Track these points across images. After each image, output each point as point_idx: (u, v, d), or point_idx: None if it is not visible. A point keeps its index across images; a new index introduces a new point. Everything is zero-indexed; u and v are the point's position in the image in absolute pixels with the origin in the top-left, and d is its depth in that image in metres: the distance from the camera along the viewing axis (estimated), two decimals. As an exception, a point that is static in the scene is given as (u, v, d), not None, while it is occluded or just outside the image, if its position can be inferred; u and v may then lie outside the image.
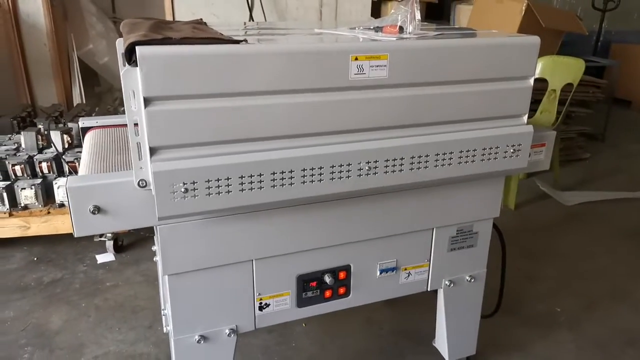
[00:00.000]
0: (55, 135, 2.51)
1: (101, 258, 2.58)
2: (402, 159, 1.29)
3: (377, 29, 1.40)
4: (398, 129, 1.28)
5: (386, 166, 1.28)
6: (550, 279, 2.48)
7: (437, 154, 1.32)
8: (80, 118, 1.68)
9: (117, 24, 5.08)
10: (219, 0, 3.92)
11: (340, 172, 1.23)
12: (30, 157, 2.43)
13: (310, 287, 1.43)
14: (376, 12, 4.48)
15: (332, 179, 1.23)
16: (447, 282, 1.62)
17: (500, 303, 1.95)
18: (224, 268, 1.31)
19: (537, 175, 3.74)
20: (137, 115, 1.06)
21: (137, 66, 1.00)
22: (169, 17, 3.86)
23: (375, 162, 1.26)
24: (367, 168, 1.26)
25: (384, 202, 1.42)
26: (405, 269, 1.55)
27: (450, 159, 1.34)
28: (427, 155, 1.31)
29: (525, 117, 1.43)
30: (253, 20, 3.93)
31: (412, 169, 1.31)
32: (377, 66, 1.21)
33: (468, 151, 1.36)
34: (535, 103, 3.65)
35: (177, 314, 1.31)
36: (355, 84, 1.20)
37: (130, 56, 1.02)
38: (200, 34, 1.14)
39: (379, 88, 1.22)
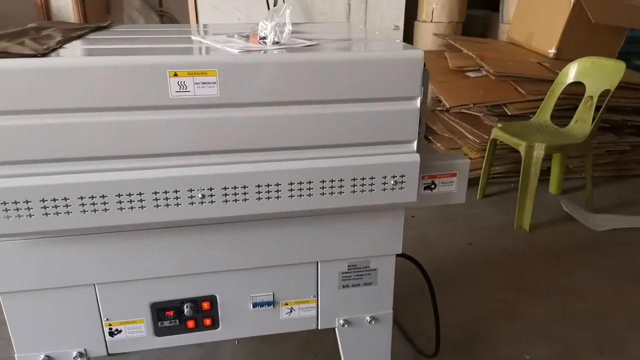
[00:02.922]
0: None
1: None
2: (245, 187, 1.14)
3: (247, 38, 1.25)
4: (242, 153, 1.13)
5: (225, 194, 1.14)
6: (533, 318, 2.16)
7: (292, 184, 1.16)
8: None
9: (164, 17, 5.23)
10: (242, -6, 3.86)
11: (167, 199, 1.11)
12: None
13: (167, 316, 1.32)
14: (413, 4, 4.19)
15: (157, 206, 1.11)
16: (341, 322, 1.44)
17: (438, 345, 1.72)
18: (62, 290, 1.24)
19: (568, 194, 3.31)
20: None
21: None
22: (191, 12, 3.88)
23: (211, 189, 1.13)
24: (200, 196, 1.12)
25: (252, 230, 1.27)
26: (286, 304, 1.39)
27: (310, 189, 1.17)
28: (278, 184, 1.15)
29: (414, 144, 1.21)
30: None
31: (259, 198, 1.15)
32: (204, 83, 1.06)
33: (332, 181, 1.17)
34: (573, 110, 3.22)
35: (16, 333, 1.27)
36: (178, 102, 1.07)
37: None
38: (22, 49, 1.06)
39: (209, 108, 1.08)
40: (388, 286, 1.43)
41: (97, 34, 1.41)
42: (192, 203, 1.13)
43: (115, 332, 1.32)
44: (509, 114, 3.20)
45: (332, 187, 1.18)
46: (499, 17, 4.39)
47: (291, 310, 1.40)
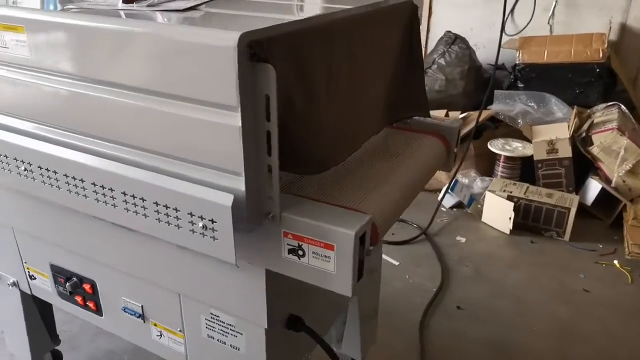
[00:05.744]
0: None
1: None
2: (52, 171, 0.96)
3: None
4: (51, 128, 0.96)
5: (41, 174, 0.98)
6: None
7: (95, 185, 0.91)
8: None
9: None
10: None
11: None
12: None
13: (59, 282, 1.27)
14: None
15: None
16: (210, 376, 1.12)
17: None
18: (-4, 226, 1.32)
19: None
20: None
21: None
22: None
23: (30, 164, 0.99)
24: (23, 169, 1.00)
25: (119, 232, 1.07)
26: (156, 325, 1.15)
27: (113, 198, 0.90)
28: (82, 180, 0.92)
29: (241, 181, 0.77)
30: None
31: (69, 190, 0.95)
32: (18, 41, 0.91)
33: (134, 197, 0.87)
34: None
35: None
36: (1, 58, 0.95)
37: None
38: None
39: (21, 69, 0.93)
40: (259, 363, 1.02)
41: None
42: (18, 174, 1.01)
43: (32, 278, 1.35)
44: None
45: (134, 204, 0.87)
46: None
47: (161, 334, 1.16)
